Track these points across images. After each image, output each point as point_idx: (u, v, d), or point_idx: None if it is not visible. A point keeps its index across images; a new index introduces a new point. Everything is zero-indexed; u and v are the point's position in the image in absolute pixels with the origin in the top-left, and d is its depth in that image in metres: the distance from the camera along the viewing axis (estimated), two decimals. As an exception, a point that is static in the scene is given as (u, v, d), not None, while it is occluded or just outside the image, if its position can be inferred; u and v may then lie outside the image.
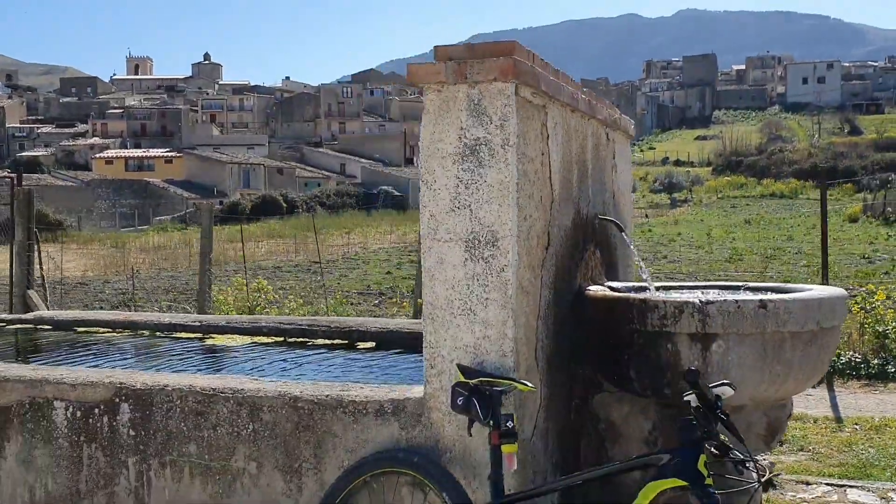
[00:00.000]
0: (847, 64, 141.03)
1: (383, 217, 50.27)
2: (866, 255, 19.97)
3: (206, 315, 5.09)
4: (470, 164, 2.40)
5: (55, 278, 22.81)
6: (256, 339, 4.47)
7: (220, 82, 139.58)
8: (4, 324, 5.11)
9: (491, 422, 2.23)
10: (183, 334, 4.64)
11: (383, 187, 74.45)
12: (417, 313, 7.53)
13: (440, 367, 2.49)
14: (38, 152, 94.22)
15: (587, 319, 2.93)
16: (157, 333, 4.71)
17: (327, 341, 4.35)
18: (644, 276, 3.06)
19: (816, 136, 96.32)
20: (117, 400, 2.83)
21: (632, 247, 3.23)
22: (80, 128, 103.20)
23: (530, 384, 2.27)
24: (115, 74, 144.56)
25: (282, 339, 4.46)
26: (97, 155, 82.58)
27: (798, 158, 79.66)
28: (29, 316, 5.15)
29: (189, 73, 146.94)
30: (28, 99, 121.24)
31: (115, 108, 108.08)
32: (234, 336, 4.52)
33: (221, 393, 2.69)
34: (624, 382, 2.87)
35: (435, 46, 2.40)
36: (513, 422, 2.22)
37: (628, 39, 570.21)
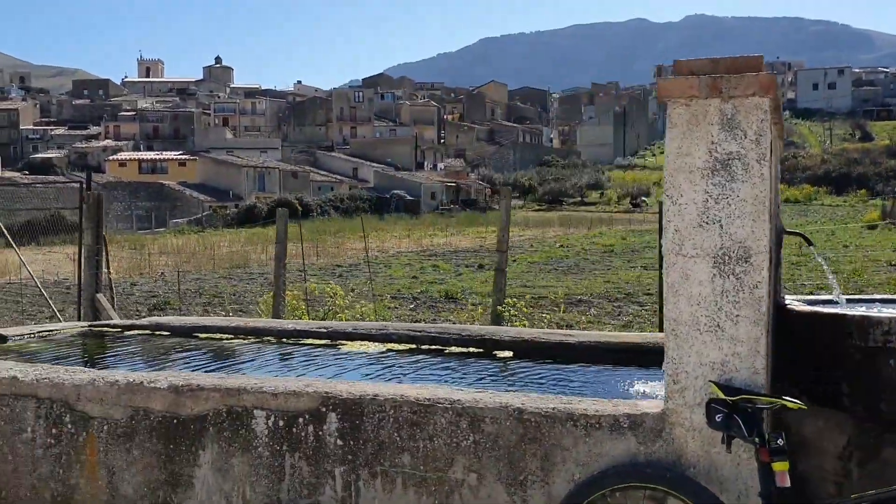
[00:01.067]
0: (858, 70, 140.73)
1: (397, 221, 50.42)
2: (894, 263, 19.94)
3: (330, 322, 5.09)
4: (721, 179, 2.40)
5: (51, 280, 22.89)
6: (388, 346, 4.47)
7: (232, 86, 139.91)
8: (120, 329, 5.11)
9: (756, 439, 2.23)
10: (311, 341, 4.64)
11: (396, 191, 74.58)
12: (496, 320, 7.52)
13: (683, 384, 2.48)
14: (52, 154, 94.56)
15: (790, 334, 2.92)
16: (284, 340, 4.71)
17: (462, 349, 4.34)
18: (835, 290, 3.05)
19: (828, 142, 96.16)
20: (324, 409, 2.83)
21: (821, 260, 3.23)
22: (93, 130, 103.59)
23: (799, 402, 2.26)
24: (126, 77, 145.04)
25: (413, 346, 4.45)
26: (111, 157, 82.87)
27: (811, 164, 79.59)
28: (144, 322, 5.15)
29: (200, 77, 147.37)
30: (41, 101, 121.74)
31: (128, 110, 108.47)
32: (365, 343, 4.52)
33: (439, 403, 2.69)
34: (832, 398, 2.85)
35: (675, 61, 2.40)
36: (782, 439, 2.21)
37: (636, 44, 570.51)
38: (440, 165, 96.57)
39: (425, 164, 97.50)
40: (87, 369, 3.40)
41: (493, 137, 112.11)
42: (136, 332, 5.06)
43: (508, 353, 4.23)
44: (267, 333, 4.83)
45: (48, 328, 4.98)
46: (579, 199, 73.89)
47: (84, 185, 8.84)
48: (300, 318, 8.28)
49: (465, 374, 3.84)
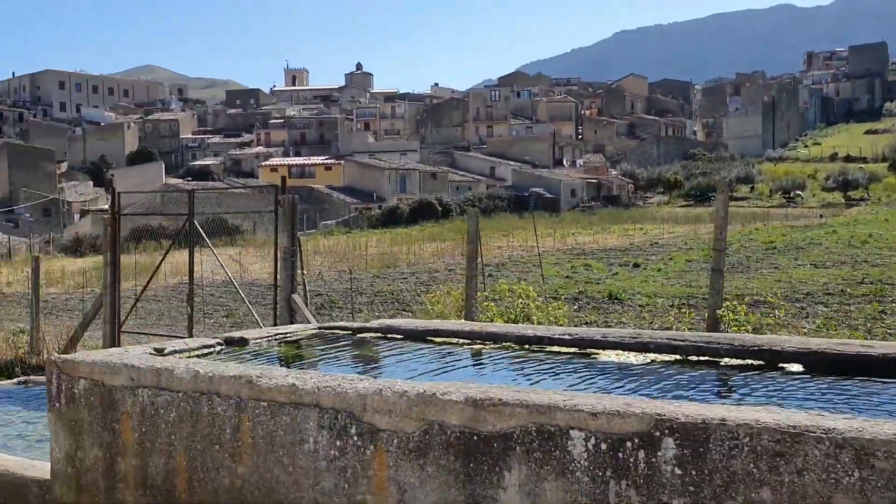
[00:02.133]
0: None
1: (537, 219, 49.89)
2: None
3: (573, 329, 4.76)
4: None
5: (247, 280, 23.82)
6: (649, 356, 4.08)
7: (372, 91, 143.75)
8: (352, 332, 4.99)
9: None
10: (556, 348, 4.33)
11: (534, 189, 74.05)
12: (714, 325, 6.98)
13: None
14: (209, 161, 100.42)
15: None
16: (526, 346, 4.43)
17: (738, 361, 3.90)
18: None
19: None
20: (657, 433, 2.49)
21: None
22: (246, 137, 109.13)
23: None
24: (274, 86, 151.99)
25: (677, 357, 4.05)
26: (262, 163, 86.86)
27: None
28: (375, 324, 5.01)
29: (343, 83, 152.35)
30: (198, 111, 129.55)
31: (277, 118, 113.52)
32: (619, 352, 4.16)
33: (808, 432, 2.29)
34: None
35: None
36: None
37: (782, 31, 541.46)
38: (579, 162, 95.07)
39: (564, 160, 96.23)
40: (368, 378, 3.22)
41: (634, 132, 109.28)
42: (368, 334, 4.92)
43: (797, 367, 3.75)
44: (505, 339, 4.56)
45: (281, 331, 4.93)
46: (729, 193, 70.68)
47: (278, 189, 8.97)
48: (492, 320, 8.04)
49: (768, 391, 3.39)
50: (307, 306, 9.08)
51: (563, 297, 16.43)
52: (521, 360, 4.22)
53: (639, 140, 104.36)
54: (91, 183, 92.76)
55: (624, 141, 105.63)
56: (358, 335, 4.91)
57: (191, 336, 10.35)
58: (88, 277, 24.91)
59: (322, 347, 4.59)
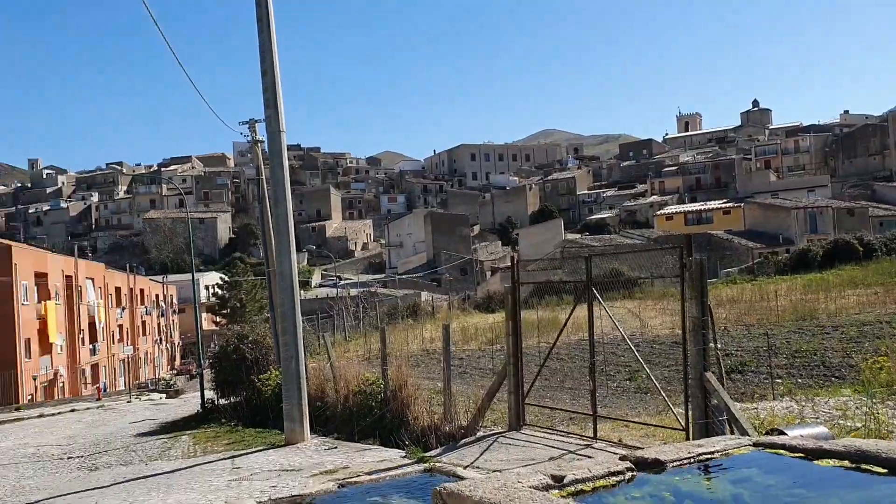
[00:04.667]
0: None
1: None
2: None
3: None
4: None
5: (647, 336, 22.66)
6: None
7: (771, 127, 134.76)
8: (804, 455, 3.75)
9: None
10: None
11: None
12: None
13: None
14: (604, 214, 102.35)
15: None
16: None
17: None
18: None
19: None
20: None
21: None
22: (640, 188, 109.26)
23: None
24: (667, 134, 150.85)
25: None
26: (657, 212, 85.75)
27: None
28: (840, 445, 3.71)
29: (738, 123, 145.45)
30: (593, 167, 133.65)
31: (670, 165, 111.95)
32: None
33: None
34: None
35: None
36: None
37: None
38: None
39: None
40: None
41: None
42: (829, 461, 3.64)
43: None
44: None
45: (706, 449, 3.88)
46: None
47: (683, 251, 7.96)
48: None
49: None
50: (723, 386, 7.85)
51: None
52: None
53: None
54: (499, 242, 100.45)
55: None
56: (815, 461, 3.66)
57: (594, 412, 9.75)
58: (498, 333, 26.14)
59: (770, 485, 3.42)
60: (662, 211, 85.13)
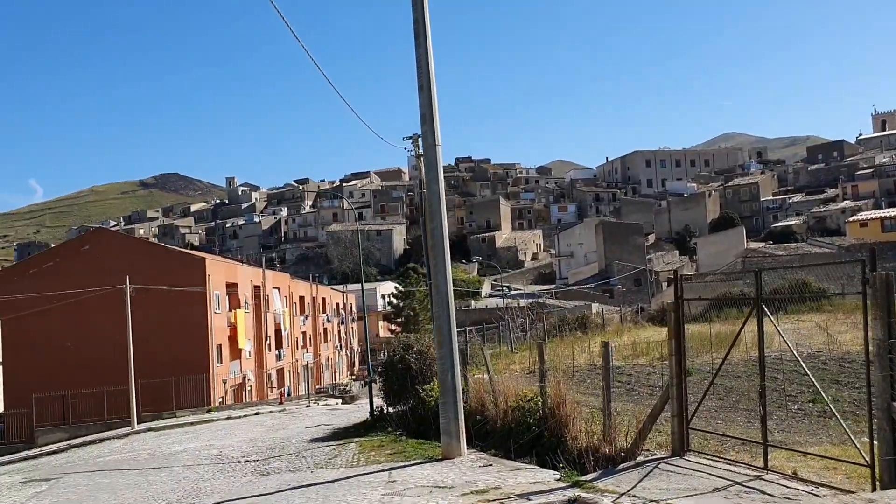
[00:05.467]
0: None
1: None
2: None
3: None
4: None
5: (836, 353, 20.71)
6: None
7: None
8: None
9: None
10: None
11: None
12: None
13: None
14: (790, 221, 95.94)
15: None
16: None
17: None
18: None
19: None
20: None
21: None
22: (829, 193, 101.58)
23: None
24: (860, 134, 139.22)
25: None
26: (850, 219, 79.30)
27: None
28: None
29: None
30: (777, 171, 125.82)
31: (864, 168, 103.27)
32: None
33: None
34: None
35: None
36: None
37: None
38: None
39: None
40: None
41: None
42: None
43: None
44: None
45: None
46: None
47: (865, 265, 7.13)
48: None
49: None
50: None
51: None
52: None
53: None
54: (676, 252, 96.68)
55: None
56: None
57: (765, 439, 8.91)
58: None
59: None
60: (856, 217, 78.54)
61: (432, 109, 12.46)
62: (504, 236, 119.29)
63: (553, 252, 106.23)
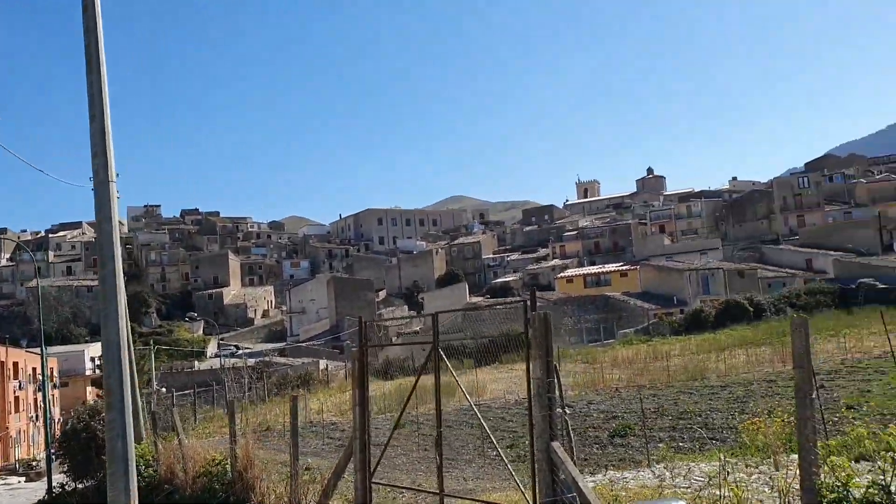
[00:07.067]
0: None
1: (870, 314, 42.34)
2: None
3: None
4: None
5: (511, 402, 21.84)
6: None
7: (665, 193, 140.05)
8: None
9: None
10: None
11: (863, 280, 64.83)
12: None
13: None
14: (508, 278, 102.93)
15: None
16: None
17: None
18: None
19: None
20: None
21: None
22: (542, 252, 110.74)
23: None
24: (567, 200, 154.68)
25: None
26: (558, 275, 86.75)
27: None
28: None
29: (634, 189, 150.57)
30: (497, 232, 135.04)
31: (570, 230, 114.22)
32: None
33: None
34: None
35: None
36: None
37: None
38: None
39: (894, 245, 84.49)
40: None
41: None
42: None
43: None
44: None
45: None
46: None
47: (527, 305, 7.17)
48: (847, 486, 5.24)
49: None
50: (573, 458, 6.99)
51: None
52: None
53: None
54: (406, 307, 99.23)
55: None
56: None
57: (441, 489, 8.71)
58: (389, 402, 24.85)
59: None
60: (563, 274, 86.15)
61: (105, 141, 11.16)
62: (233, 292, 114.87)
63: (285, 308, 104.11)
